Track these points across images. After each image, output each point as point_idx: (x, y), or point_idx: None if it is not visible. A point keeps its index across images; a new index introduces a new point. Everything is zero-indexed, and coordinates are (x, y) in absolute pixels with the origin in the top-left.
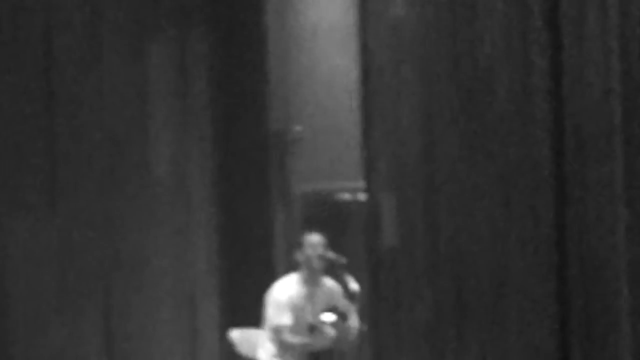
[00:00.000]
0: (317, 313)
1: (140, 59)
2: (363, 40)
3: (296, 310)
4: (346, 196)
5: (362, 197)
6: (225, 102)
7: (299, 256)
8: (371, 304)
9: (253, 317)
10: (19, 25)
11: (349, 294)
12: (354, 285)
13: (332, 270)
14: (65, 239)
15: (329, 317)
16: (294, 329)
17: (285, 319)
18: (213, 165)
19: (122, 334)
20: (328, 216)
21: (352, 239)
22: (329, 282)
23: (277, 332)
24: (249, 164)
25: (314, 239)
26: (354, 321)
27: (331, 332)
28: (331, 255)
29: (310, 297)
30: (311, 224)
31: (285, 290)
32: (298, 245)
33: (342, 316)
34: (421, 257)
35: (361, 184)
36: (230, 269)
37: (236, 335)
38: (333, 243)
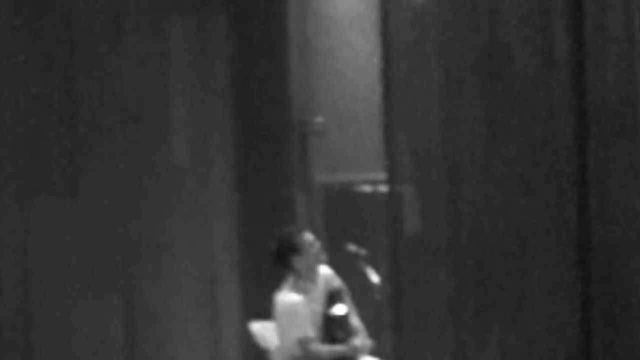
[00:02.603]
0: (321, 306)
1: (161, 43)
2: (385, 29)
3: (312, 316)
4: (368, 187)
5: (383, 188)
6: (246, 92)
7: (298, 262)
8: (394, 293)
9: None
10: (41, 6)
11: (370, 286)
12: (374, 277)
13: (353, 262)
14: (86, 224)
15: (341, 309)
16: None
17: (310, 331)
18: (234, 156)
19: (143, 319)
20: (349, 207)
21: (373, 230)
22: (320, 270)
23: (303, 345)
24: (271, 154)
25: (310, 238)
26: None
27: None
28: (352, 247)
29: (314, 294)
30: (332, 216)
31: (297, 301)
32: (296, 250)
33: (342, 295)
34: (443, 245)
35: (383, 175)
36: (250, 259)
37: (256, 327)
38: (354, 235)
